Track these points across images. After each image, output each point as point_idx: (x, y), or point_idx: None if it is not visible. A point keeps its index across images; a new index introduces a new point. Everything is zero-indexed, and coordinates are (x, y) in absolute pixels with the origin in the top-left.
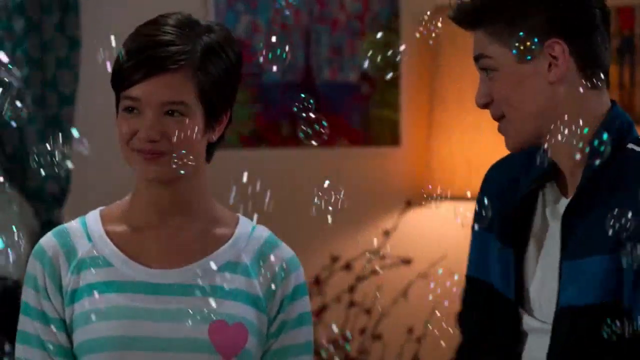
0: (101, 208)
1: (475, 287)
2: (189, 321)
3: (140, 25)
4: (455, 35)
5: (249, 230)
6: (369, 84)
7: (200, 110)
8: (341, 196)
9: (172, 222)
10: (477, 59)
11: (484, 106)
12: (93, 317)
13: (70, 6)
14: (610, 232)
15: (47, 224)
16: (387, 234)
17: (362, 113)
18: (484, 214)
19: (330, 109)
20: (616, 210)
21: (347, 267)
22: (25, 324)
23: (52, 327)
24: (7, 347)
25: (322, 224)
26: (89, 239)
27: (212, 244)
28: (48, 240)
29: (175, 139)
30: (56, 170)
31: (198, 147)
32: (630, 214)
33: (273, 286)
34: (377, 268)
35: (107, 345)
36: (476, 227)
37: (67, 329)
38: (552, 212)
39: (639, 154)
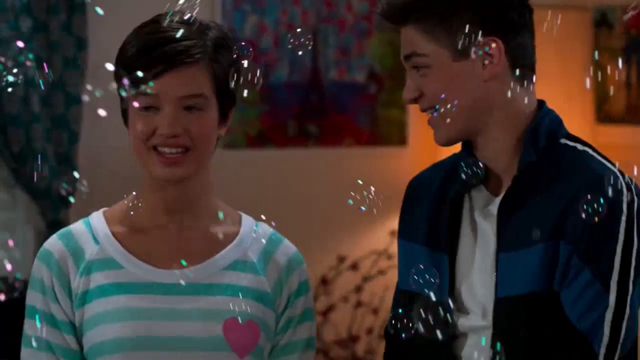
0: (104, 209)
1: (407, 298)
2: (203, 320)
3: (140, 25)
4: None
5: (253, 228)
6: (376, 83)
7: (215, 103)
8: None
9: (179, 221)
10: (408, 57)
11: (413, 101)
12: (105, 319)
13: (77, 6)
14: (546, 221)
15: (54, 224)
16: (393, 234)
17: (369, 113)
18: (407, 227)
19: (337, 109)
20: (553, 203)
21: (354, 267)
22: (32, 327)
23: (61, 330)
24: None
25: (329, 224)
26: (96, 240)
27: (218, 243)
28: (54, 242)
29: (195, 133)
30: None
31: (214, 142)
32: (566, 202)
33: (280, 283)
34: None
35: (120, 347)
36: (401, 240)
37: (77, 332)
38: (483, 213)
39: (572, 148)
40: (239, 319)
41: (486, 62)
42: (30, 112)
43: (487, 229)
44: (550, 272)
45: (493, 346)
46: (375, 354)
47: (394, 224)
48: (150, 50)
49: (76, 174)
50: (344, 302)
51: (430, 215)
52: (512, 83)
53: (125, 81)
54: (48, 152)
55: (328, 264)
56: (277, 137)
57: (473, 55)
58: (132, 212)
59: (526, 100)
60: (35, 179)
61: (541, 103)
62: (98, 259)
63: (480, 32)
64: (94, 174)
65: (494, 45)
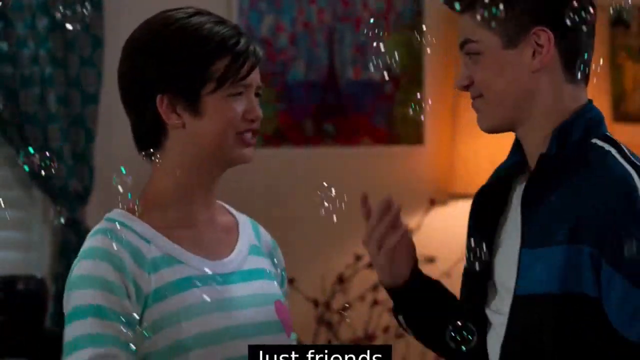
0: (117, 210)
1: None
2: (260, 305)
3: (195, 15)
4: None
5: (240, 215)
6: (392, 83)
7: None
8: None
9: (207, 213)
10: (463, 44)
11: (464, 88)
12: (187, 314)
13: (94, 5)
14: (564, 222)
15: (71, 223)
16: (411, 232)
17: (386, 112)
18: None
19: (354, 108)
20: (571, 201)
21: (371, 265)
22: (98, 326)
23: (133, 327)
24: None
25: (346, 223)
26: (144, 239)
27: (231, 231)
28: (104, 242)
29: (261, 117)
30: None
31: None
32: (584, 206)
33: (274, 260)
34: None
35: (212, 339)
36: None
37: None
38: (517, 197)
39: (600, 148)
40: (280, 299)
41: (536, 52)
42: (47, 111)
43: (515, 221)
44: (569, 274)
45: (504, 344)
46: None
47: (410, 222)
48: (235, 40)
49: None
50: (361, 300)
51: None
52: (561, 77)
53: (219, 70)
54: (64, 151)
55: (345, 263)
56: (293, 135)
57: (524, 46)
58: (165, 207)
59: (573, 96)
60: (51, 178)
61: (589, 102)
62: (159, 256)
63: (531, 22)
64: (110, 173)
65: (543, 35)
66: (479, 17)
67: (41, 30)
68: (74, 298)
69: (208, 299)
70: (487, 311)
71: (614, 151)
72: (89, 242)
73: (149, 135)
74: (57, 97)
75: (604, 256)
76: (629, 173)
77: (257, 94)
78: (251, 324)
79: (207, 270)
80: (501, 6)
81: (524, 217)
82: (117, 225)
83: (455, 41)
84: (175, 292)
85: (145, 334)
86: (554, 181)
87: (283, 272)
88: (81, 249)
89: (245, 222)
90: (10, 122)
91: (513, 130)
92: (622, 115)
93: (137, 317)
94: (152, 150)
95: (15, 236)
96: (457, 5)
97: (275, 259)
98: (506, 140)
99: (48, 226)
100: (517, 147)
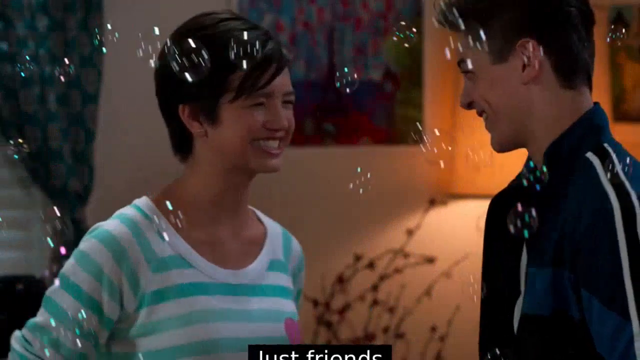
0: (149, 197)
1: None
2: (269, 321)
3: (223, 19)
4: None
5: (273, 225)
6: (392, 82)
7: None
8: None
9: (232, 221)
10: (458, 64)
11: (468, 107)
12: (191, 320)
13: (93, 5)
14: (550, 244)
15: (70, 223)
16: (410, 232)
17: (386, 112)
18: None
19: (354, 108)
20: (555, 223)
21: (371, 265)
22: (67, 303)
23: (105, 326)
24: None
25: (346, 223)
26: (161, 236)
27: (257, 242)
28: (122, 231)
29: (291, 124)
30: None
31: None
32: (563, 228)
33: (295, 276)
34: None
35: (207, 349)
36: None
37: (134, 332)
38: None
39: (588, 165)
40: (292, 317)
41: (525, 64)
42: (47, 110)
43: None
44: (556, 297)
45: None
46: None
47: (410, 222)
48: (255, 47)
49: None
50: (360, 300)
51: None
52: (555, 84)
53: (237, 79)
54: (64, 151)
55: (344, 263)
56: (294, 135)
57: (513, 59)
58: (190, 207)
59: (574, 102)
60: (51, 178)
61: (594, 106)
62: (169, 257)
63: (515, 35)
64: (110, 173)
65: (529, 46)
66: (469, 39)
67: (41, 30)
68: (68, 267)
69: (214, 307)
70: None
71: (598, 168)
72: (108, 224)
73: (179, 141)
74: (57, 97)
75: (580, 280)
76: (606, 194)
77: (288, 102)
78: (250, 338)
79: (217, 278)
80: (486, 20)
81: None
82: (138, 215)
83: (454, 41)
84: (180, 296)
85: (107, 332)
86: (547, 202)
87: (300, 282)
88: (98, 226)
89: (275, 234)
90: (10, 122)
91: (524, 147)
92: (622, 115)
93: (116, 318)
94: (184, 154)
95: (15, 236)
96: (447, 26)
97: (295, 274)
98: None
99: (48, 226)
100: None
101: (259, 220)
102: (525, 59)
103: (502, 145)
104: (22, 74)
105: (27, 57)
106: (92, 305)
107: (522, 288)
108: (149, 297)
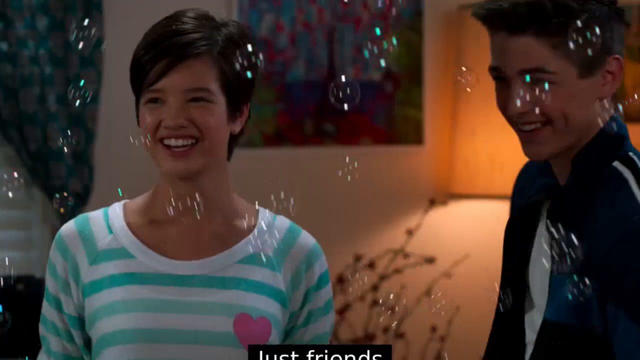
0: (125, 201)
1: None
2: (213, 314)
3: (159, 21)
4: (479, 33)
5: (271, 221)
6: (392, 82)
7: (224, 99)
8: None
9: (193, 217)
10: (529, 71)
11: (519, 115)
12: (115, 309)
13: (93, 5)
14: (579, 252)
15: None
16: (410, 232)
17: (386, 112)
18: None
19: (354, 108)
20: (584, 233)
21: (371, 265)
22: (45, 308)
23: (65, 319)
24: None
25: (346, 223)
26: (110, 230)
27: (234, 237)
28: (69, 228)
29: (202, 124)
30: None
31: (224, 136)
32: (594, 240)
33: (297, 278)
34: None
35: (131, 338)
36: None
37: (82, 324)
38: (545, 225)
39: (618, 176)
40: (251, 314)
41: (607, 80)
42: (47, 111)
43: (545, 243)
44: (581, 309)
45: None
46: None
47: (410, 222)
48: (157, 43)
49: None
50: (361, 300)
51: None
52: (610, 99)
53: (135, 76)
54: (64, 151)
55: (344, 263)
56: (294, 135)
57: (598, 74)
58: (148, 205)
59: (605, 113)
60: (51, 178)
61: (613, 117)
62: (110, 249)
63: (606, 50)
64: (110, 173)
65: (616, 63)
66: (558, 49)
67: (41, 30)
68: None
69: (144, 297)
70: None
71: (631, 180)
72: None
73: None
74: (57, 97)
75: (607, 292)
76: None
77: (197, 99)
78: (192, 330)
79: (159, 269)
80: (588, 35)
81: (552, 242)
82: (98, 214)
83: (455, 41)
84: (111, 286)
85: (78, 330)
86: (576, 211)
87: (311, 290)
88: None
89: (267, 230)
90: (10, 122)
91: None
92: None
93: (76, 313)
94: None
95: (15, 236)
96: (520, 28)
97: (297, 277)
98: (505, 140)
99: (48, 226)
100: (545, 168)
101: (257, 217)
102: (607, 74)
103: (552, 155)
104: (22, 74)
105: (27, 57)
106: (58, 305)
107: (543, 296)
108: (87, 288)
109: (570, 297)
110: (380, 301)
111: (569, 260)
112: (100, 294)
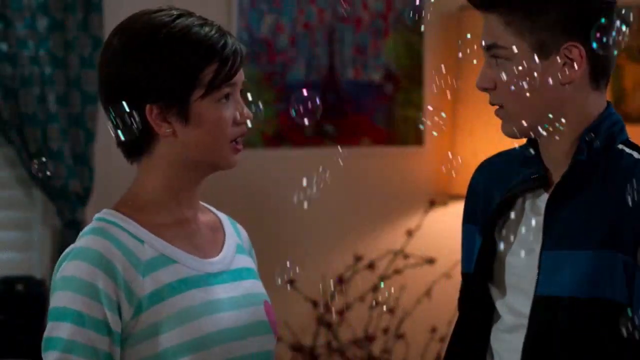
0: (108, 210)
1: (467, 282)
2: (250, 306)
3: (182, 19)
4: (479, 34)
5: (218, 212)
6: (392, 83)
7: None
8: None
9: (192, 213)
10: (489, 47)
11: (484, 90)
12: (185, 316)
13: (93, 5)
14: (594, 227)
15: (71, 223)
16: (410, 233)
17: (385, 112)
18: (470, 209)
19: (353, 109)
20: (602, 207)
21: (371, 266)
22: (78, 334)
23: (113, 341)
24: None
25: (346, 223)
26: (137, 239)
27: (218, 230)
28: (104, 245)
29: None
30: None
31: None
32: (619, 214)
33: (252, 255)
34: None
35: (201, 344)
36: (464, 224)
37: (133, 339)
38: (532, 206)
39: (628, 156)
40: (268, 300)
41: (566, 66)
42: (47, 111)
43: (532, 222)
44: (599, 280)
45: (526, 347)
46: (391, 353)
47: (410, 223)
48: (228, 44)
49: None
50: (361, 301)
51: (489, 203)
52: (588, 86)
53: (208, 75)
54: (64, 152)
55: (344, 263)
56: (294, 136)
57: (554, 58)
58: (156, 206)
59: (596, 103)
60: (51, 178)
61: (608, 105)
62: (154, 257)
63: (563, 34)
64: (110, 173)
65: (575, 51)
66: (511, 26)
67: (41, 30)
68: (60, 298)
69: (207, 299)
70: (501, 310)
71: None
72: (82, 242)
73: (136, 141)
74: (57, 97)
75: (638, 264)
76: None
77: (241, 90)
78: (242, 326)
79: (199, 269)
80: (534, 13)
81: (547, 220)
82: (108, 225)
83: (455, 42)
84: (173, 294)
85: (118, 348)
86: (583, 187)
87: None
88: (73, 248)
89: (227, 221)
90: (10, 122)
91: (536, 137)
92: (623, 116)
93: (120, 330)
94: (139, 154)
95: (15, 236)
96: (483, 3)
97: (253, 257)
98: (505, 141)
99: (48, 227)
100: (530, 157)
101: (207, 209)
102: (568, 61)
103: (515, 135)
104: (22, 74)
105: (27, 57)
106: (98, 327)
107: (526, 276)
108: (145, 302)
109: (584, 270)
110: (375, 302)
111: (565, 235)
112: (165, 304)
